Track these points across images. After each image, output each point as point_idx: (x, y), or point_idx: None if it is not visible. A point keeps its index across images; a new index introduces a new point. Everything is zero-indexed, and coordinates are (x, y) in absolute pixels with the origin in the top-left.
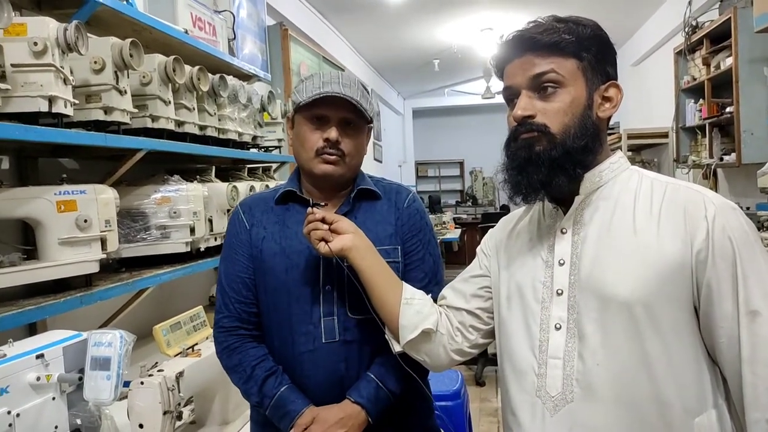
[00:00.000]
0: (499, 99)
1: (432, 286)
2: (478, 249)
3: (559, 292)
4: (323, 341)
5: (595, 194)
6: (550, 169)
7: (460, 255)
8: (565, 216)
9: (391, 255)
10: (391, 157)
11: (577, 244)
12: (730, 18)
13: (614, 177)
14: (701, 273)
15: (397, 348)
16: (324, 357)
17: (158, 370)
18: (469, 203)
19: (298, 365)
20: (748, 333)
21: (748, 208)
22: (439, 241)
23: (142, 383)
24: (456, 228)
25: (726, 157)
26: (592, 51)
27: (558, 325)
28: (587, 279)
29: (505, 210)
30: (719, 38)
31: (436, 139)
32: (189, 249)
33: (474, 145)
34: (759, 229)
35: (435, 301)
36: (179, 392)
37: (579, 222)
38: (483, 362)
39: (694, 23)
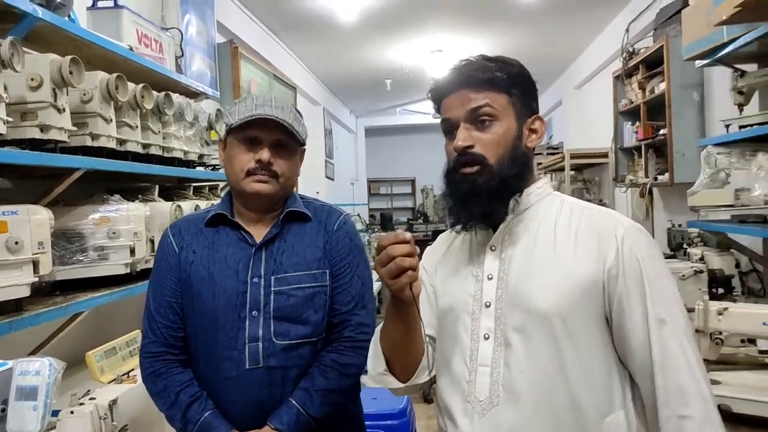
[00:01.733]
0: None
1: (358, 309)
2: (420, 266)
3: (488, 304)
4: (247, 367)
5: (522, 215)
6: (490, 199)
7: None
8: (494, 234)
9: (319, 279)
10: (343, 175)
11: (505, 261)
12: (663, 46)
13: (539, 200)
14: (613, 287)
15: (398, 385)
16: (247, 383)
17: (90, 399)
18: (421, 221)
19: (222, 390)
20: (658, 339)
21: (680, 225)
22: None
23: (71, 413)
24: None
25: (660, 177)
26: (520, 87)
27: (486, 335)
28: (513, 293)
29: None
30: (654, 64)
31: (389, 157)
32: (129, 270)
33: (425, 163)
34: (689, 245)
35: (360, 323)
36: (112, 421)
37: (507, 240)
38: (431, 379)
39: (631, 49)
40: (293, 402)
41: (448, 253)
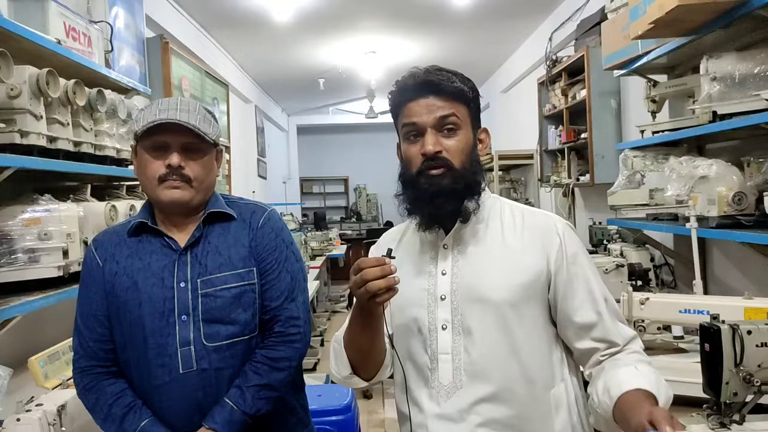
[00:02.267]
0: (382, 119)
1: (287, 303)
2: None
3: (443, 297)
4: (180, 372)
5: (471, 216)
6: (458, 200)
7: (345, 270)
8: (447, 234)
9: (245, 278)
10: (275, 174)
11: (457, 258)
12: (583, 55)
13: (483, 202)
14: (559, 276)
15: (363, 385)
16: (181, 387)
17: (37, 405)
18: (354, 219)
19: (156, 397)
20: (605, 310)
21: (600, 223)
22: (325, 257)
23: (18, 420)
24: (342, 244)
25: (582, 178)
26: (475, 102)
27: (444, 326)
28: (468, 287)
29: (388, 225)
30: (575, 72)
31: (321, 156)
32: (62, 273)
33: (358, 162)
34: (609, 241)
35: (290, 317)
36: (62, 427)
37: (458, 239)
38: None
39: (554, 57)
40: (226, 400)
41: (398, 252)
